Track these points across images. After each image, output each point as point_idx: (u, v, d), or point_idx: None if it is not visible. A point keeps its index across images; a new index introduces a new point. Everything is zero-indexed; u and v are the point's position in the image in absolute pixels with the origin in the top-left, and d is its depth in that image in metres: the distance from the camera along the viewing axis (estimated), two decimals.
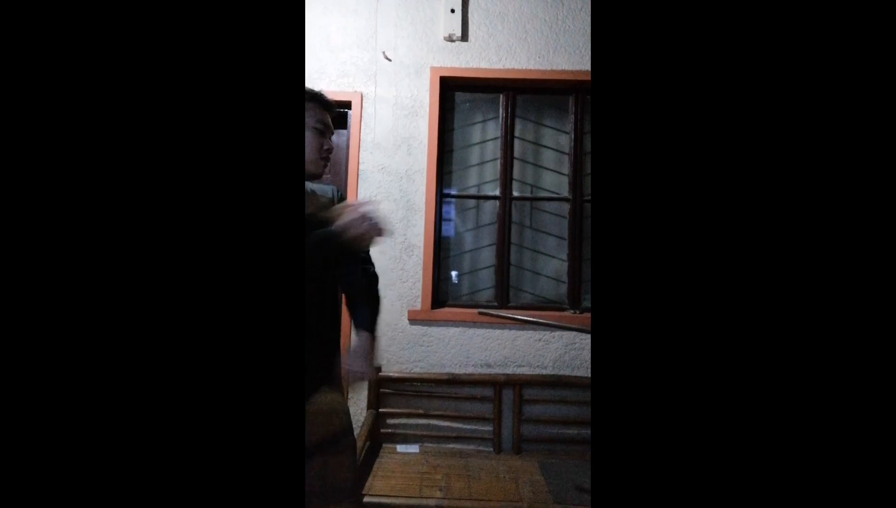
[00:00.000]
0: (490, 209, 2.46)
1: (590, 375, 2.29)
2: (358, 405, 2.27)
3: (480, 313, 1.86)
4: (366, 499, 1.72)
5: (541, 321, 1.92)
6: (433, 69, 2.37)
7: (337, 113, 1.11)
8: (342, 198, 1.21)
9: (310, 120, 1.03)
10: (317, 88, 1.07)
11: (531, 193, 2.46)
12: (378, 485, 1.82)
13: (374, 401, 2.23)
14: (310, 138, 1.03)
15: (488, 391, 2.26)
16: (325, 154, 1.06)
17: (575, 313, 2.37)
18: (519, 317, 1.92)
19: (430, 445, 2.24)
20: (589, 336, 2.31)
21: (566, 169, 2.45)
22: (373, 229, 0.91)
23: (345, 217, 0.91)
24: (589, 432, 2.24)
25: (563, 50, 2.38)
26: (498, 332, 2.32)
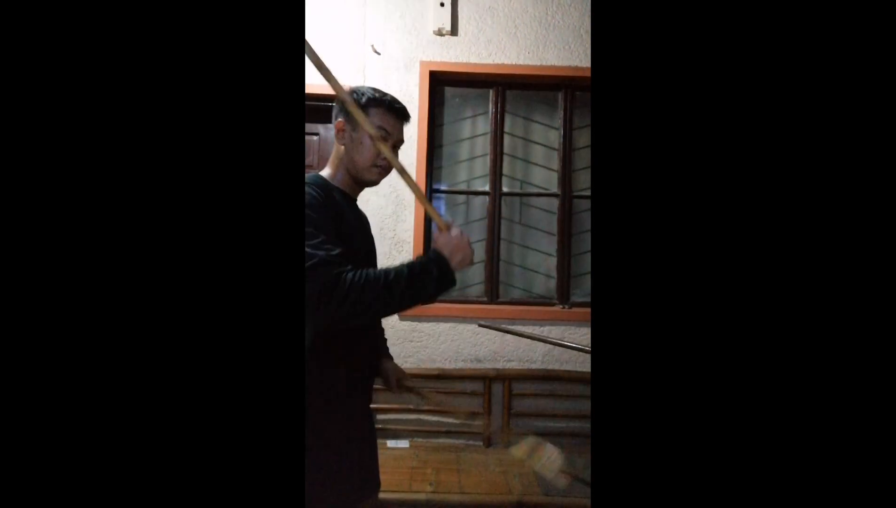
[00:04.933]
0: (480, 205, 2.46)
1: (578, 369, 2.31)
2: None
3: (480, 326, 1.89)
4: None
5: (537, 337, 1.94)
6: (422, 63, 2.36)
7: (408, 121, 1.06)
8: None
9: (368, 126, 0.97)
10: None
11: (521, 188, 2.47)
12: None
13: None
14: (367, 144, 0.98)
15: (478, 386, 2.27)
16: (382, 162, 1.00)
17: (564, 307, 2.39)
18: (515, 331, 1.90)
19: (420, 440, 2.24)
20: (577, 331, 2.33)
21: (555, 165, 2.46)
22: (469, 252, 0.93)
23: (448, 242, 0.91)
24: (578, 425, 2.26)
25: (553, 45, 2.38)
26: None
